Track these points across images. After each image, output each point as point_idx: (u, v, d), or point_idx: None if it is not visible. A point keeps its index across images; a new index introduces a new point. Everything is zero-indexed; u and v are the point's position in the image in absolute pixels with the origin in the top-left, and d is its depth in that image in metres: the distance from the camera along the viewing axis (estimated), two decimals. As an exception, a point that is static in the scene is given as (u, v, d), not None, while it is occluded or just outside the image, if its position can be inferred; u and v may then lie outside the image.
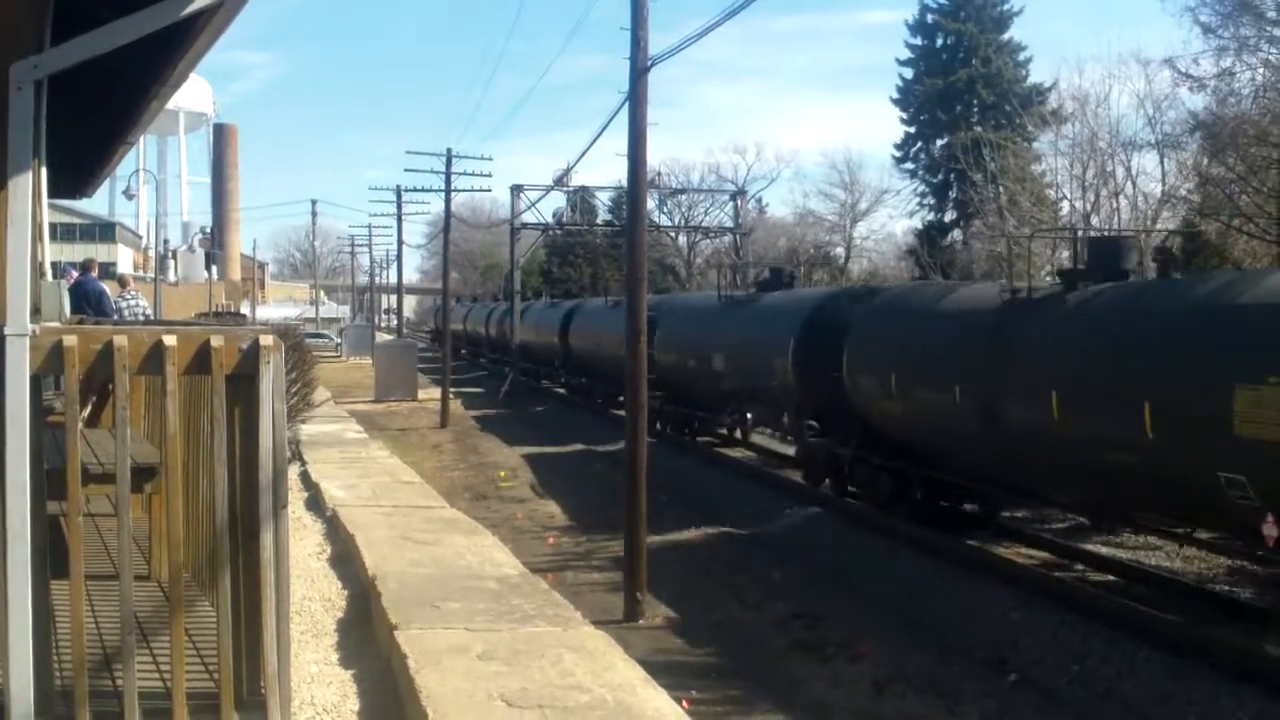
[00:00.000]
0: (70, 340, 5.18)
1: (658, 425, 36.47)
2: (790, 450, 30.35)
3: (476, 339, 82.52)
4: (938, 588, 18.00)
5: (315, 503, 13.90)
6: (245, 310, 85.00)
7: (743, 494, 27.51)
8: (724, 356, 30.60)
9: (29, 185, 5.10)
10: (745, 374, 29.15)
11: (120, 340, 5.25)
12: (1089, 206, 43.20)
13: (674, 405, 36.01)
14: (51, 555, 5.23)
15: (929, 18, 65.56)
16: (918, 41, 66.58)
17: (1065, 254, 43.73)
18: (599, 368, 45.70)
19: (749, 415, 32.31)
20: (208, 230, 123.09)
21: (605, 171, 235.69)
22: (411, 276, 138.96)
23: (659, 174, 67.20)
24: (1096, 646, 14.61)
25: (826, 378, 23.57)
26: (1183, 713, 12.76)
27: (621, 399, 40.61)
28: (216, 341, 5.37)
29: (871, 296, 25.26)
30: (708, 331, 32.46)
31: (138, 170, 75.82)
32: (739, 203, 65.14)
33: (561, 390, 55.31)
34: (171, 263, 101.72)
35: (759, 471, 30.59)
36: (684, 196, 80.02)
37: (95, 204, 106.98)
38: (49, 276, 7.89)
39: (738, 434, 35.35)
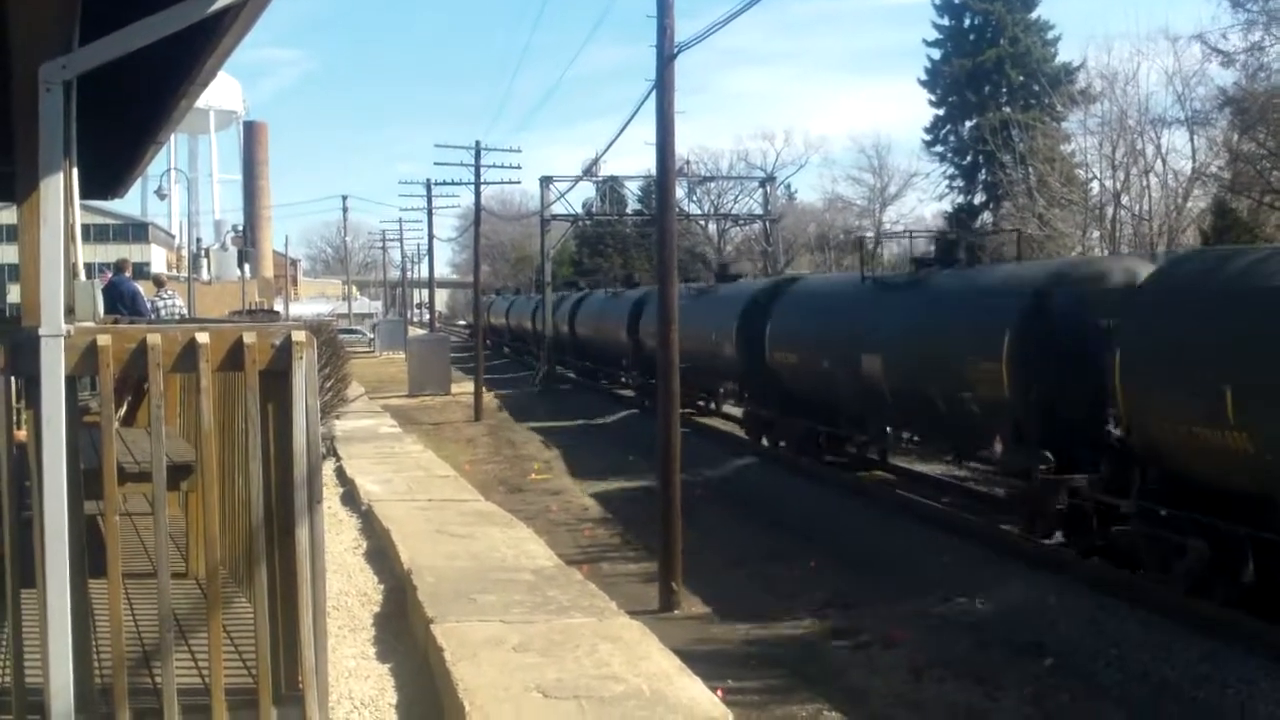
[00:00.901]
0: (105, 340, 5.21)
1: (764, 441, 31.44)
2: (941, 476, 25.58)
3: (522, 334, 74.14)
4: (972, 574, 17.94)
5: (350, 498, 13.97)
6: (279, 307, 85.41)
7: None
8: (881, 358, 22.96)
9: (60, 186, 5.13)
10: (916, 381, 21.79)
11: (154, 339, 5.28)
12: (1119, 185, 42.98)
13: (793, 417, 28.66)
14: (90, 554, 5.27)
15: (956, -2, 65.32)
16: (945, 22, 66.33)
17: (1096, 234, 43.74)
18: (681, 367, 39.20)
19: (908, 435, 26.23)
20: (240, 228, 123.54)
21: (634, 161, 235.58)
22: (443, 270, 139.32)
23: (688, 162, 67.16)
24: (1133, 630, 14.54)
25: (1072, 389, 17.46)
26: (1220, 695, 12.69)
27: (713, 405, 39.09)
28: (249, 338, 5.39)
29: (1133, 271, 17.94)
30: (852, 324, 24.53)
31: (169, 170, 76.25)
32: (768, 189, 64.92)
33: (628, 393, 47.13)
34: (205, 261, 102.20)
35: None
36: (713, 184, 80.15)
37: (128, 204, 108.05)
38: (82, 277, 7.94)
39: (871, 453, 27.75)
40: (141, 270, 64.00)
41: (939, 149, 68.32)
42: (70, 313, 5.40)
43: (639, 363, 43.93)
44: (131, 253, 76.25)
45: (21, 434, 5.66)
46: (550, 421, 41.69)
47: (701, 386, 37.83)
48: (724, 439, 34.23)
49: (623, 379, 49.45)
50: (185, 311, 28.82)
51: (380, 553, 10.78)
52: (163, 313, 23.20)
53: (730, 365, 32.20)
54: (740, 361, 31.07)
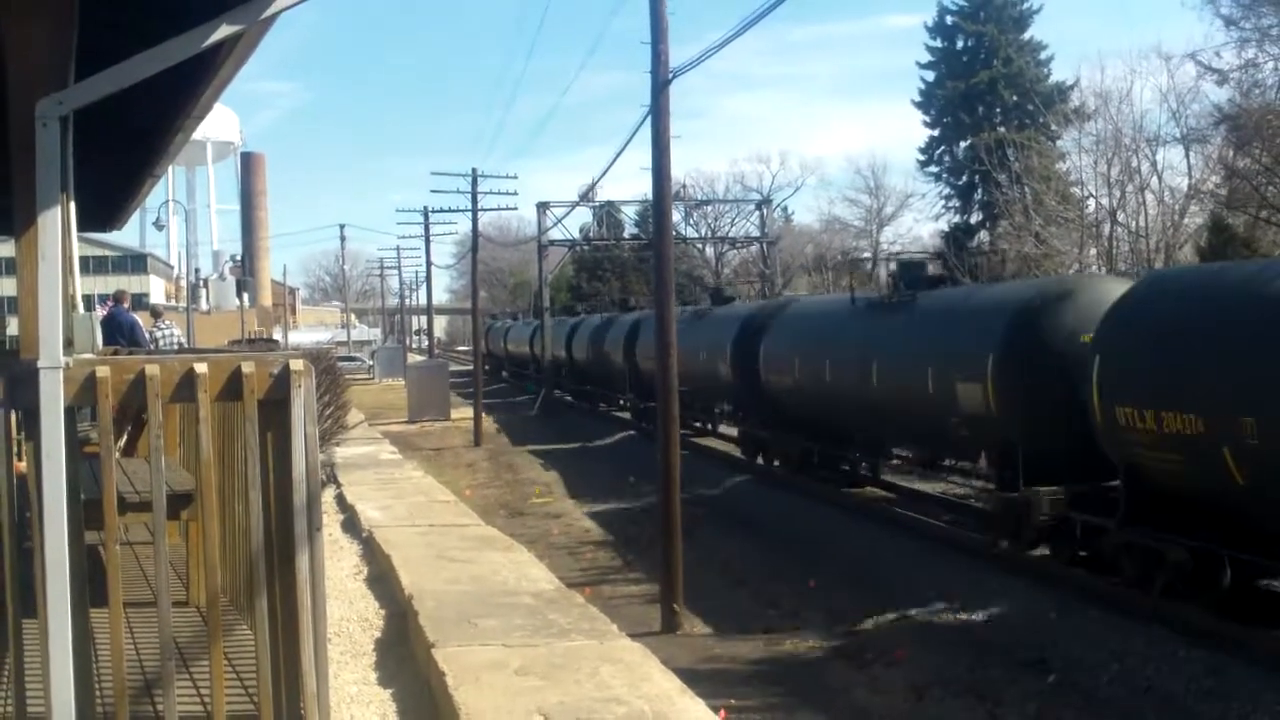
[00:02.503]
0: (103, 371, 5.24)
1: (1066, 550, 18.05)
2: None
3: (554, 364, 59.93)
4: (974, 590, 17.93)
5: (351, 524, 13.95)
6: (278, 336, 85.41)
7: None
8: None
9: (58, 220, 5.17)
10: None
11: (152, 369, 5.31)
12: (1115, 203, 43.03)
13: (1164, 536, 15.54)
14: (91, 583, 5.30)
15: (948, 20, 65.41)
16: (938, 44, 66.45)
17: (1093, 251, 43.78)
18: (819, 415, 26.60)
19: None
20: (238, 258, 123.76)
21: (630, 186, 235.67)
22: (441, 296, 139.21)
23: (684, 186, 67.47)
24: (1136, 644, 14.54)
25: None
26: (1224, 708, 12.69)
27: (858, 470, 27.78)
28: (247, 368, 5.42)
29: None
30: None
31: (167, 201, 76.33)
32: (765, 212, 65.04)
33: (721, 444, 34.32)
34: (203, 291, 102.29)
35: None
36: (710, 208, 79.98)
37: (126, 236, 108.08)
38: (80, 309, 7.97)
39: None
40: (140, 301, 64.04)
41: (934, 169, 68.43)
42: (69, 345, 5.43)
43: (751, 405, 31.02)
44: (130, 284, 76.16)
45: (21, 465, 5.69)
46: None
47: (866, 437, 26.14)
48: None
49: (707, 425, 37.47)
50: (183, 342, 28.83)
51: (381, 578, 10.77)
52: (162, 343, 23.24)
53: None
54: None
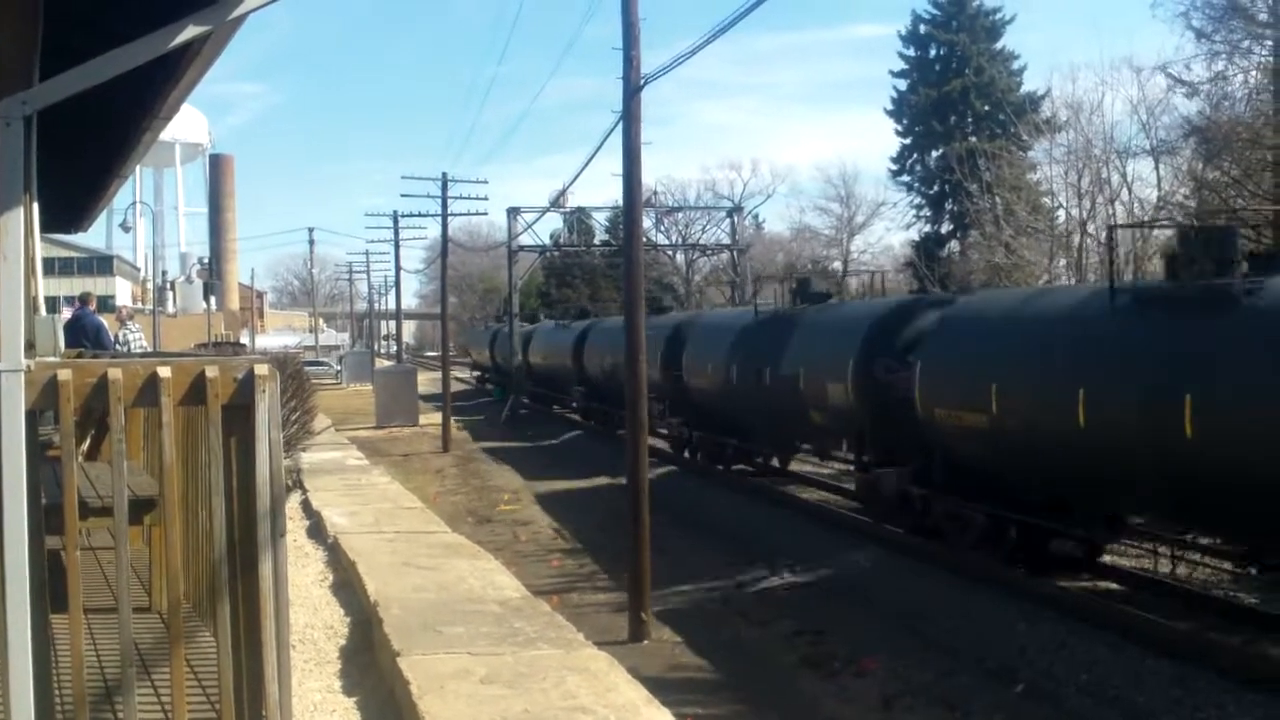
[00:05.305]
0: (65, 374, 5.18)
1: None
2: None
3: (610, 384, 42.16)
4: (943, 600, 17.95)
5: (317, 530, 13.89)
6: (245, 339, 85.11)
7: None
8: None
9: (20, 221, 5.10)
10: None
11: (115, 373, 5.25)
12: (1085, 213, 43.22)
13: None
14: (51, 589, 5.23)
15: (921, 29, 65.78)
16: (911, 53, 66.80)
17: (1063, 262, 43.96)
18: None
19: None
20: (205, 261, 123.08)
21: (602, 192, 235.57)
22: (410, 302, 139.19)
23: (655, 193, 67.31)
24: (1103, 655, 14.58)
25: None
26: (1190, 719, 12.72)
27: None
28: (211, 372, 5.37)
29: None
30: None
31: (134, 203, 75.97)
32: (736, 219, 65.05)
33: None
34: (170, 294, 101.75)
35: None
36: (681, 214, 79.99)
37: (93, 237, 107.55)
38: (42, 311, 7.90)
39: None
40: (106, 304, 63.68)
41: (906, 179, 68.77)
42: (30, 347, 5.37)
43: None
44: (96, 286, 75.95)
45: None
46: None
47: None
48: None
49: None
50: (147, 346, 28.69)
51: (347, 585, 10.72)
52: (133, 345, 23.14)
53: None
54: None
